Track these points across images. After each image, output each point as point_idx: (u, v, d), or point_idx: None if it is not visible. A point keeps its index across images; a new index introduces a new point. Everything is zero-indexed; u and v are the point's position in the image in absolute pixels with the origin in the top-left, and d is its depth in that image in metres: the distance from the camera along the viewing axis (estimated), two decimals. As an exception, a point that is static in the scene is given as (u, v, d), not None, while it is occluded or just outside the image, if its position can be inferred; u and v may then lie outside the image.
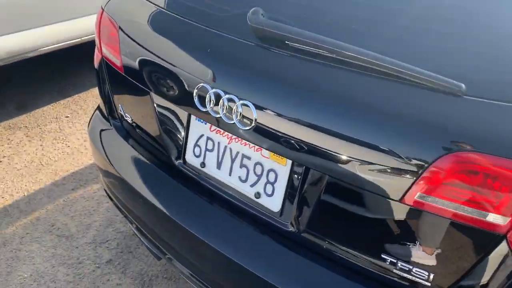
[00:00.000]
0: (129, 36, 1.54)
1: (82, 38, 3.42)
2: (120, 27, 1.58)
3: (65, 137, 3.15)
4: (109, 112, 1.84)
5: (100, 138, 1.89)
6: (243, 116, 1.24)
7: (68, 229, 2.43)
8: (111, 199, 1.94)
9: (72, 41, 3.35)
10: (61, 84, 3.80)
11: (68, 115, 3.40)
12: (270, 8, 1.26)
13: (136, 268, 2.24)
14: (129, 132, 1.76)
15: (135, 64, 1.53)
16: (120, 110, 1.74)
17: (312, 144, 1.15)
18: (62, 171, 2.84)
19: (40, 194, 2.66)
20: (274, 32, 1.19)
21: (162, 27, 1.48)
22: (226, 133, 1.38)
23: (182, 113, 1.49)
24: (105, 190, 1.94)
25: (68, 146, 3.06)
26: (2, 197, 2.64)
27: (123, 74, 1.60)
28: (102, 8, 1.73)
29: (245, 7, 1.28)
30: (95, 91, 3.72)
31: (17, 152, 3.00)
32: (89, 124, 2.01)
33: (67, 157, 2.96)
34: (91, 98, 3.63)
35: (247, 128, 1.23)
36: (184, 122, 1.50)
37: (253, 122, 1.22)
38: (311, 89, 1.17)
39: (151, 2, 1.54)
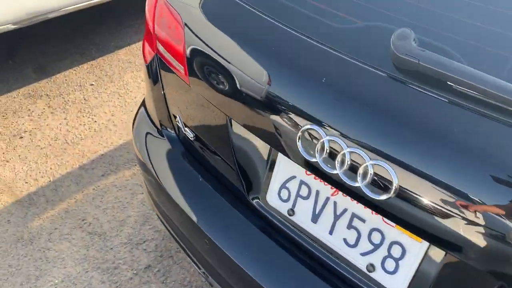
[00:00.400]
0: (201, 39, 1.13)
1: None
2: (186, 24, 1.17)
3: (91, 110, 2.77)
4: (161, 119, 1.47)
5: (147, 147, 1.53)
6: (375, 180, 0.88)
7: (100, 225, 2.13)
8: (157, 215, 1.62)
9: (96, 0, 2.89)
10: (83, 44, 3.36)
11: (93, 83, 3.00)
12: (423, 28, 0.86)
13: (178, 276, 1.96)
14: (187, 148, 1.39)
15: (208, 78, 1.14)
16: (178, 121, 1.37)
17: (473, 228, 0.80)
18: (90, 152, 2.50)
19: (67, 180, 2.33)
20: (435, 69, 0.80)
21: (252, 34, 1.07)
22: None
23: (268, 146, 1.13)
24: (152, 205, 1.61)
25: (95, 122, 2.69)
26: (26, 182, 2.31)
27: (188, 85, 1.21)
28: (156, -10, 1.31)
29: (382, 19, 0.88)
30: (120, 54, 3.29)
31: (39, 127, 2.64)
32: (134, 123, 1.64)
33: (95, 135, 2.61)
34: (116, 62, 3.21)
35: (381, 198, 0.87)
36: (269, 154, 1.14)
37: (391, 191, 0.86)
38: (483, 154, 0.80)
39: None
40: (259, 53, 1.04)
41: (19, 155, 2.45)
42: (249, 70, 1.04)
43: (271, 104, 1.01)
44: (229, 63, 1.08)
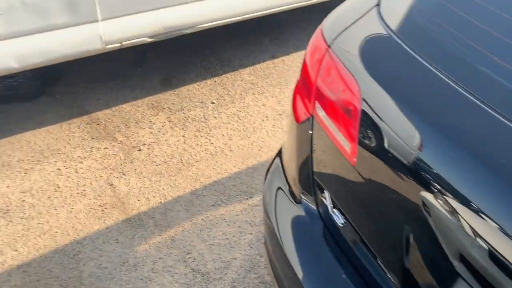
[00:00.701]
0: (384, 120, 0.86)
1: (244, 16, 2.80)
2: (365, 100, 0.90)
3: (209, 130, 2.63)
4: (301, 184, 1.22)
5: (276, 207, 1.30)
6: None
7: (204, 263, 1.95)
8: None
9: (233, 19, 2.75)
10: (208, 59, 3.26)
11: (214, 101, 2.86)
12: None
13: None
14: (330, 232, 1.13)
15: (386, 169, 0.86)
16: (324, 198, 1.11)
17: None
18: (203, 177, 2.34)
19: (178, 205, 2.20)
20: None
21: (465, 127, 0.77)
22: None
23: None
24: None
25: (212, 144, 2.55)
26: (138, 200, 2.22)
27: (354, 167, 0.94)
28: (325, 41, 1.05)
29: None
30: (244, 73, 3.14)
31: (157, 141, 2.55)
32: (267, 172, 1.42)
33: (210, 158, 2.46)
34: (239, 81, 3.05)
35: None
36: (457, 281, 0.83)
37: None
38: None
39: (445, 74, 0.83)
40: (474, 155, 0.73)
41: (135, 169, 2.37)
42: (457, 177, 0.74)
43: (483, 231, 0.70)
44: (423, 162, 0.79)
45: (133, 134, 2.59)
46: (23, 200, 2.18)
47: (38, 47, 2.15)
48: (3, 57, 2.08)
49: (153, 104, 2.82)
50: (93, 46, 2.28)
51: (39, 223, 2.08)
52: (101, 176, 2.33)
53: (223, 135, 2.61)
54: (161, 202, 2.21)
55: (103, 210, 2.16)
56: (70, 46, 2.22)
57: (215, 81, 3.05)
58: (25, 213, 2.12)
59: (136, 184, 2.29)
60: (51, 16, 2.10)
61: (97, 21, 2.21)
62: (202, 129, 2.64)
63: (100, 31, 2.25)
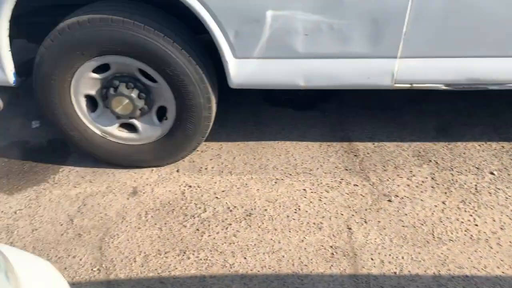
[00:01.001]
0: None
1: None
2: None
3: (478, 207, 2.14)
4: None
5: None
6: None
7: None
8: None
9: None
10: (502, 115, 2.67)
11: (494, 172, 2.32)
12: None
13: None
14: None
15: None
16: None
17: None
18: (453, 264, 1.90)
19: (413, 284, 1.84)
20: None
21: None
22: None
23: None
24: None
25: (476, 225, 2.06)
26: (372, 259, 1.95)
27: None
28: None
29: None
30: (497, 148, 2.45)
31: (412, 197, 2.21)
32: None
33: (468, 243, 1.98)
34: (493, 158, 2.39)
35: None
36: None
37: None
38: None
39: None
40: None
41: (379, 221, 2.11)
42: None
43: None
44: None
45: (388, 180, 2.32)
46: (265, 209, 2.20)
47: (326, 71, 2.07)
48: (293, 74, 2.08)
49: (419, 152, 2.47)
50: (381, 82, 2.07)
51: (271, 239, 2.06)
52: (342, 214, 2.16)
53: (494, 220, 2.07)
54: (395, 273, 1.89)
55: (332, 254, 1.98)
56: (357, 77, 2.07)
57: (503, 146, 2.47)
58: (263, 223, 2.13)
59: (375, 239, 2.03)
60: (351, 45, 1.97)
61: (395, 57, 1.99)
62: (469, 203, 2.16)
63: (394, 68, 2.02)
